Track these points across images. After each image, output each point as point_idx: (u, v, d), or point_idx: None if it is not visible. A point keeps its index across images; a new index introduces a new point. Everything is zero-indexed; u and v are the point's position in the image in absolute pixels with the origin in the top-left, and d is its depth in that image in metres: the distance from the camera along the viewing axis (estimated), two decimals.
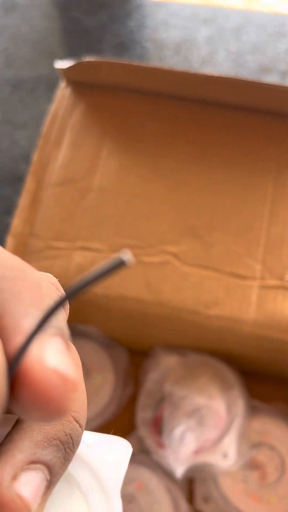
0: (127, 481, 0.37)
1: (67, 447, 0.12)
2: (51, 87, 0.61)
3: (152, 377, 0.39)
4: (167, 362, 0.40)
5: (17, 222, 0.38)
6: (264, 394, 0.39)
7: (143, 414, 0.38)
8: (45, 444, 0.12)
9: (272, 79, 0.62)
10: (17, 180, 0.54)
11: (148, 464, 0.37)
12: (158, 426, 0.37)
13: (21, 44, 0.66)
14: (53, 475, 0.12)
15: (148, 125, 0.40)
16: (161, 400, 0.38)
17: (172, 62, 0.64)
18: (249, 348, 0.37)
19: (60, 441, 0.12)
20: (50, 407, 0.10)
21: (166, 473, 0.36)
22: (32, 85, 0.62)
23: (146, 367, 0.40)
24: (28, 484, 0.11)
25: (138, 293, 0.35)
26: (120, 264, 0.10)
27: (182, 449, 0.34)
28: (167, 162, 0.39)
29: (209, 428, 0.35)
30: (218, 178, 0.38)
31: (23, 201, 0.38)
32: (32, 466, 0.11)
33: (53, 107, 0.41)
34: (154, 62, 0.64)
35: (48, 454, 0.12)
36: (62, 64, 0.40)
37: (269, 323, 0.34)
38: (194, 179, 0.38)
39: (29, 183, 0.39)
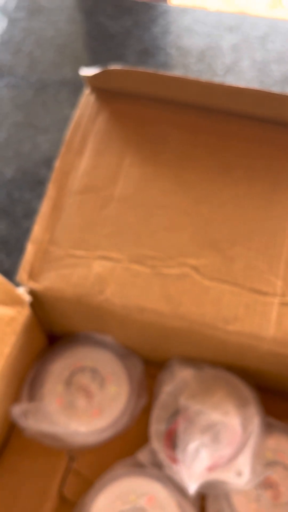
0: (138, 494, 0.36)
1: None
2: (75, 91, 0.61)
3: (167, 390, 0.39)
4: (183, 375, 0.39)
5: (37, 229, 0.37)
6: (280, 411, 0.39)
7: (157, 427, 0.38)
8: None
9: None
10: (38, 184, 0.54)
11: (160, 478, 0.37)
12: (171, 439, 0.37)
13: (46, 48, 0.66)
14: None
15: (172, 136, 0.39)
16: (175, 413, 0.38)
17: (196, 69, 0.64)
18: (267, 364, 0.36)
19: None
20: None
21: (178, 488, 0.36)
22: (55, 89, 0.62)
23: (161, 379, 0.40)
24: None
25: (157, 305, 0.35)
26: None
27: (196, 466, 0.34)
28: (190, 174, 0.38)
29: (223, 445, 0.35)
30: (241, 192, 0.37)
31: (44, 208, 0.38)
32: None
33: (76, 114, 0.41)
34: (178, 69, 0.64)
35: None
36: (88, 71, 0.40)
37: None
38: (216, 192, 0.38)
39: (50, 191, 0.38)
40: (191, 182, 0.38)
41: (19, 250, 0.50)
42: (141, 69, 0.39)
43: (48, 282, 0.36)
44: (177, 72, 0.64)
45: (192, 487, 0.34)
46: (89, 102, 0.41)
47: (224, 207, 0.37)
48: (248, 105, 0.38)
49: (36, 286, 0.36)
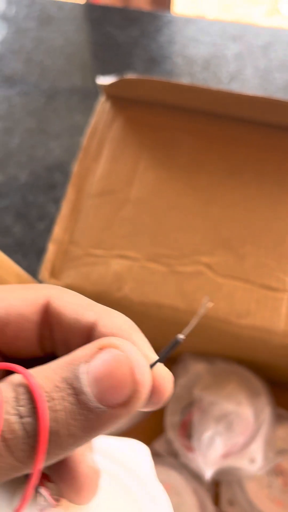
0: None
1: None
2: (84, 98, 0.64)
3: (181, 383, 0.41)
4: (196, 368, 0.41)
5: (58, 230, 0.39)
6: None
7: (171, 418, 0.40)
8: None
9: None
10: (51, 188, 0.56)
11: (176, 466, 0.38)
12: (186, 429, 0.39)
13: (55, 57, 0.68)
14: None
15: (184, 141, 0.42)
16: (189, 405, 0.40)
17: (201, 77, 0.66)
18: (278, 357, 0.38)
19: None
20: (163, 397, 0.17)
21: (193, 475, 0.38)
22: (66, 96, 0.64)
23: (175, 372, 0.42)
24: None
25: (173, 301, 0.37)
26: (177, 343, 0.17)
27: (211, 453, 0.36)
28: (201, 177, 0.40)
29: (237, 434, 0.37)
30: (251, 193, 0.39)
31: (64, 210, 0.40)
32: None
33: (93, 121, 0.43)
34: (184, 77, 0.66)
35: None
36: (104, 80, 0.42)
37: None
38: (227, 193, 0.40)
39: (69, 194, 0.40)
40: (203, 184, 0.40)
41: (35, 251, 0.52)
42: (155, 78, 0.41)
43: (68, 279, 0.38)
44: (183, 80, 0.66)
45: (208, 473, 0.36)
46: (104, 110, 0.43)
47: (234, 208, 0.39)
48: (256, 112, 0.41)
49: (57, 283, 0.38)
